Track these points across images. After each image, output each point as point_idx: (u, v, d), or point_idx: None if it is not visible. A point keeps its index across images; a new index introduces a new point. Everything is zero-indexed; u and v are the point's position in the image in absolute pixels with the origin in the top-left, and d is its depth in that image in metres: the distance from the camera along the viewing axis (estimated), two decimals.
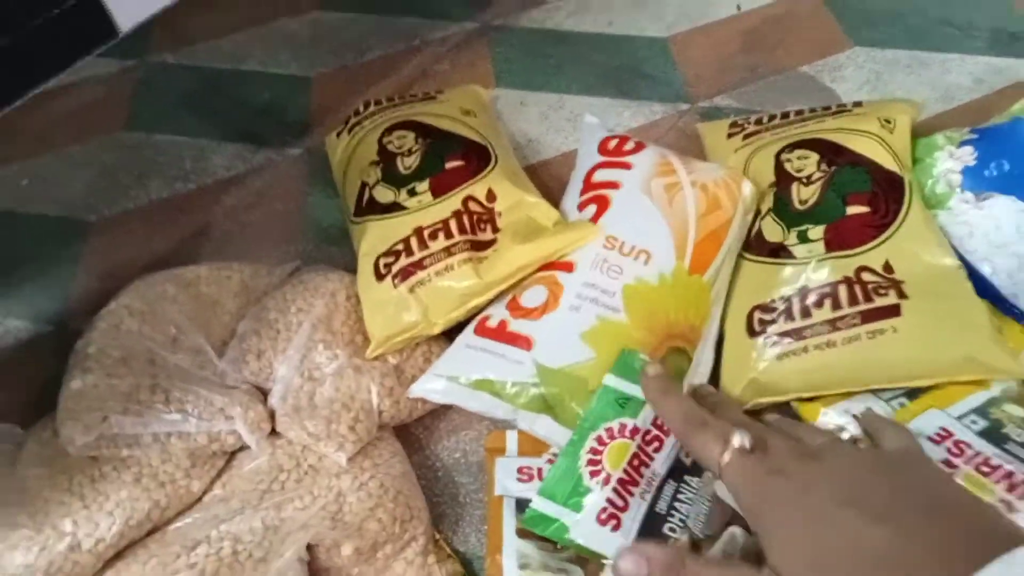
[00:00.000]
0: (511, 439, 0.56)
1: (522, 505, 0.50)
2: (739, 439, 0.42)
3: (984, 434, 0.49)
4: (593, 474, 0.48)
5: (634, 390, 0.50)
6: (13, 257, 0.71)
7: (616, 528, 0.46)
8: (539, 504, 0.48)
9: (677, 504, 0.48)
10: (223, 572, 0.48)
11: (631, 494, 0.47)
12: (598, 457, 0.48)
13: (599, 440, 0.49)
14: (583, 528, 0.46)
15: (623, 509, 0.47)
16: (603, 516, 0.46)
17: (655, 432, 0.49)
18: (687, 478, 0.49)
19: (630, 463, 0.48)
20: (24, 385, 0.62)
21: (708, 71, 0.82)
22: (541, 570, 0.48)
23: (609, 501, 0.47)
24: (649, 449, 0.49)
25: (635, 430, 0.49)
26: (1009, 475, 0.45)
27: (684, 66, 0.83)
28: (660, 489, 0.48)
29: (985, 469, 0.46)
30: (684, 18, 0.89)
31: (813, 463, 0.40)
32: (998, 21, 0.84)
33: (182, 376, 0.55)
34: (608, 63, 0.84)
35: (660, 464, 0.49)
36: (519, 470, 0.53)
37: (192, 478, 0.53)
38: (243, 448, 0.55)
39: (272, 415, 0.55)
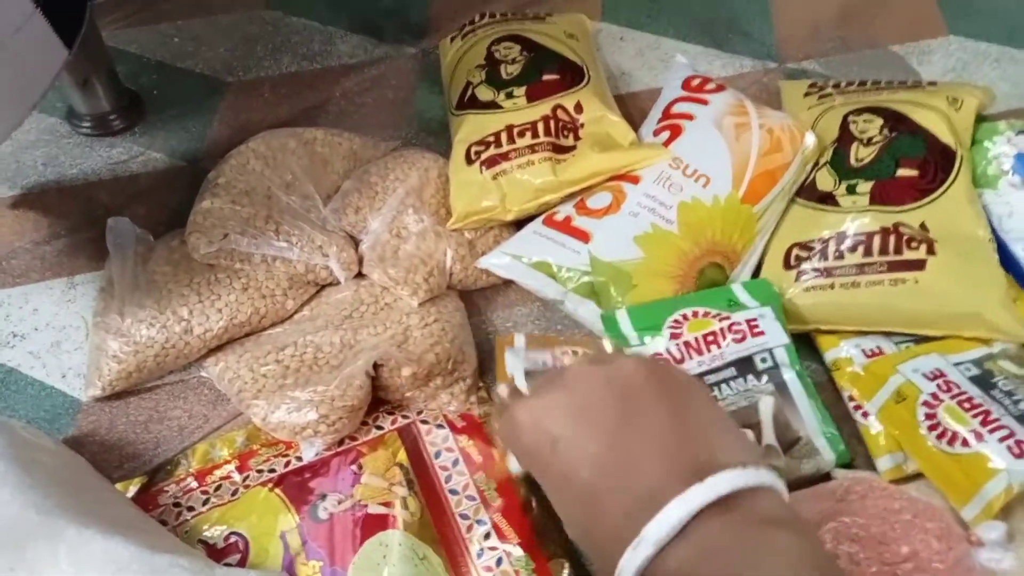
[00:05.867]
0: (519, 339, 0.62)
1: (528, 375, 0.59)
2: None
3: (974, 379, 0.55)
4: (672, 327, 0.58)
5: (748, 301, 0.59)
6: (160, 101, 0.83)
7: None
8: (621, 318, 0.59)
9: (723, 386, 0.56)
10: (303, 371, 0.58)
11: (691, 356, 0.56)
12: (683, 321, 0.58)
13: (694, 313, 0.58)
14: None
15: (679, 361, 0.56)
16: (657, 356, 0.56)
17: (743, 328, 0.57)
18: (750, 377, 0.56)
19: (704, 336, 0.57)
20: (158, 205, 0.73)
21: (802, 36, 0.87)
22: None
23: (668, 351, 0.57)
24: (730, 336, 0.57)
25: (725, 318, 0.58)
26: (986, 413, 0.52)
27: (780, 28, 0.88)
28: (721, 369, 0.56)
29: (966, 405, 0.52)
30: None
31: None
32: None
33: (292, 214, 0.65)
34: (708, 15, 0.89)
35: (731, 352, 0.56)
36: (527, 360, 0.60)
37: (288, 297, 0.63)
38: (331, 284, 0.65)
39: (360, 260, 0.65)
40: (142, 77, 0.85)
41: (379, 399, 0.60)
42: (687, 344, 0.57)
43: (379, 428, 0.59)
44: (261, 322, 0.62)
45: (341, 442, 0.57)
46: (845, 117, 0.69)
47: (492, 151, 0.67)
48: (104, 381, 0.60)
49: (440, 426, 0.58)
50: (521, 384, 0.56)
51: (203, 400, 0.61)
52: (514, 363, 0.60)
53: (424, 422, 0.59)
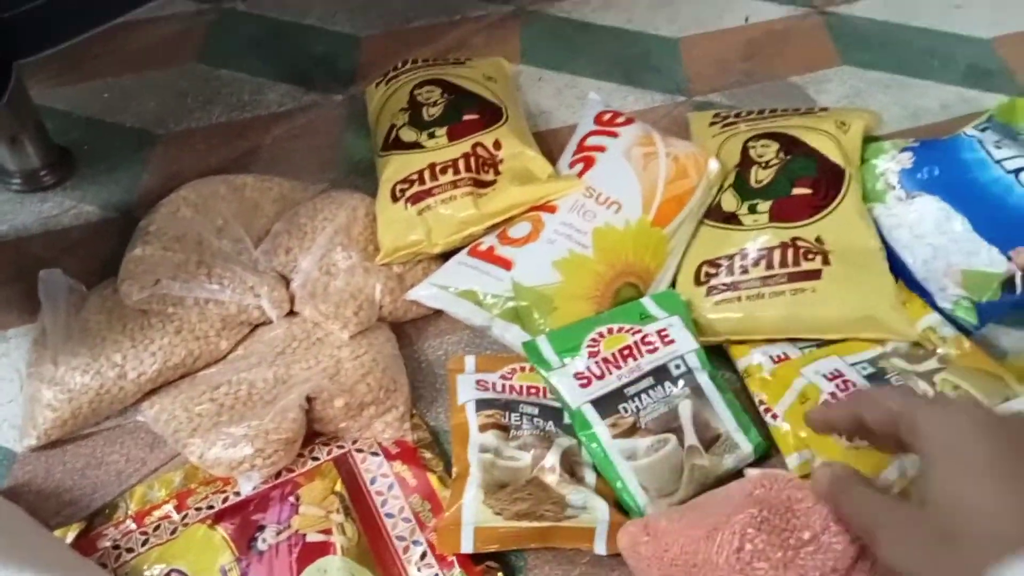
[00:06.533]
0: (469, 361, 0.66)
1: (481, 405, 0.61)
2: None
3: (869, 377, 0.59)
4: (590, 346, 0.61)
5: (657, 312, 0.64)
6: (91, 155, 0.84)
7: (584, 387, 0.59)
8: (542, 344, 0.62)
9: (643, 395, 0.59)
10: (238, 407, 0.60)
11: (610, 371, 0.60)
12: (599, 339, 0.62)
13: (609, 330, 0.62)
14: (560, 376, 0.60)
15: (599, 377, 0.60)
16: (579, 375, 0.60)
17: (655, 338, 0.61)
18: (667, 384, 0.60)
19: (621, 351, 0.61)
20: (91, 256, 0.75)
21: (708, 71, 0.93)
22: (497, 456, 0.58)
23: (588, 369, 0.60)
24: (644, 348, 0.61)
25: (638, 332, 0.62)
26: None
27: (688, 64, 0.94)
28: (640, 379, 0.60)
29: None
30: (696, 23, 0.99)
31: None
32: (976, 58, 0.94)
33: (223, 257, 0.67)
34: (621, 54, 0.95)
35: (647, 362, 0.60)
36: (477, 383, 0.63)
37: (222, 338, 0.65)
38: (263, 324, 0.67)
39: (292, 298, 0.67)
40: (72, 133, 0.86)
41: (315, 432, 0.61)
42: (605, 360, 0.60)
43: (315, 459, 0.60)
44: (195, 363, 0.64)
45: (278, 475, 0.59)
46: (745, 143, 0.74)
47: (416, 188, 0.70)
48: (39, 430, 0.61)
49: (375, 453, 0.60)
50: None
51: (140, 443, 0.62)
52: (465, 391, 0.62)
53: (359, 451, 0.61)
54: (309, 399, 0.60)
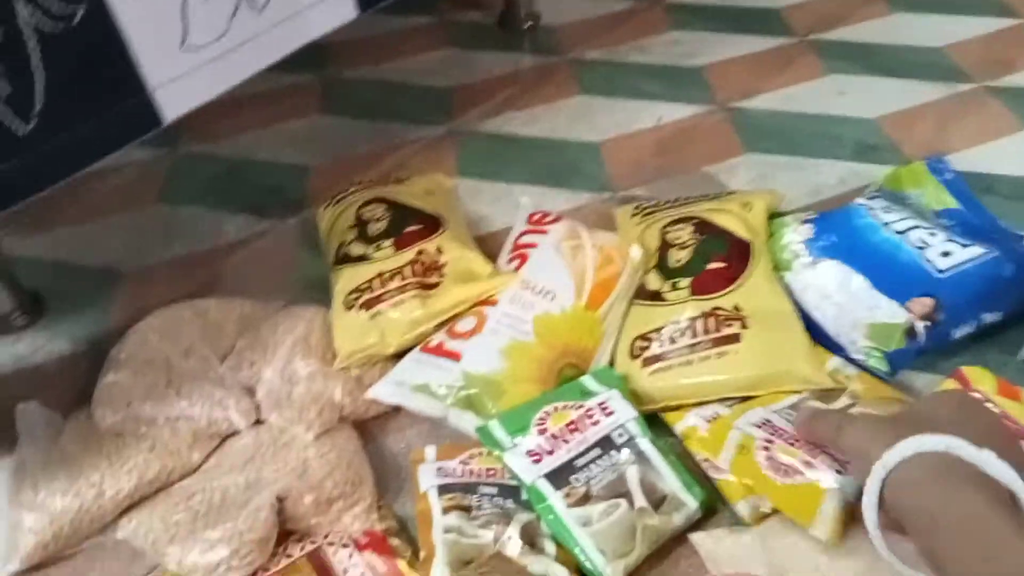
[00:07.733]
0: (430, 451, 0.70)
1: (443, 490, 0.65)
2: None
3: (792, 421, 0.65)
4: (538, 424, 0.66)
5: (597, 388, 0.69)
6: (61, 295, 0.89)
7: (536, 463, 0.63)
8: (494, 427, 0.67)
9: (591, 465, 0.64)
10: (212, 513, 0.63)
11: (559, 447, 0.65)
12: (546, 417, 0.67)
13: (555, 408, 0.67)
14: (513, 455, 0.64)
15: (549, 453, 0.64)
16: (531, 453, 0.64)
17: (596, 411, 0.67)
18: (612, 452, 0.65)
19: (567, 426, 0.66)
20: (65, 389, 0.78)
21: (628, 169, 1.03)
22: (460, 535, 0.62)
23: (539, 446, 0.65)
24: (588, 422, 0.66)
25: (581, 407, 0.67)
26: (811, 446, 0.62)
27: (610, 165, 1.04)
28: (587, 451, 0.64)
29: (792, 443, 0.62)
30: (614, 128, 1.10)
31: None
32: (861, 135, 1.05)
33: (191, 376, 0.71)
34: (549, 161, 1.04)
35: (592, 434, 0.65)
36: (438, 470, 0.68)
37: (193, 451, 0.68)
38: (232, 435, 0.71)
39: (257, 407, 0.71)
40: (41, 277, 0.91)
41: (287, 531, 0.64)
42: (553, 436, 0.65)
43: (289, 556, 0.63)
44: (170, 477, 0.67)
45: (254, 574, 0.62)
46: (662, 229, 0.82)
47: (367, 296, 0.76)
48: (22, 555, 0.63)
49: (345, 545, 0.64)
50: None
51: (121, 558, 0.64)
52: (426, 479, 0.66)
53: (330, 544, 0.64)
54: (280, 499, 0.63)
